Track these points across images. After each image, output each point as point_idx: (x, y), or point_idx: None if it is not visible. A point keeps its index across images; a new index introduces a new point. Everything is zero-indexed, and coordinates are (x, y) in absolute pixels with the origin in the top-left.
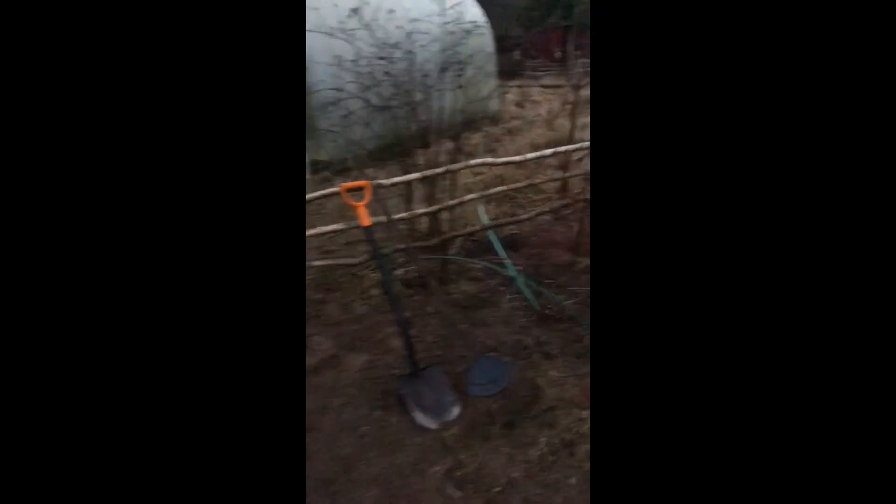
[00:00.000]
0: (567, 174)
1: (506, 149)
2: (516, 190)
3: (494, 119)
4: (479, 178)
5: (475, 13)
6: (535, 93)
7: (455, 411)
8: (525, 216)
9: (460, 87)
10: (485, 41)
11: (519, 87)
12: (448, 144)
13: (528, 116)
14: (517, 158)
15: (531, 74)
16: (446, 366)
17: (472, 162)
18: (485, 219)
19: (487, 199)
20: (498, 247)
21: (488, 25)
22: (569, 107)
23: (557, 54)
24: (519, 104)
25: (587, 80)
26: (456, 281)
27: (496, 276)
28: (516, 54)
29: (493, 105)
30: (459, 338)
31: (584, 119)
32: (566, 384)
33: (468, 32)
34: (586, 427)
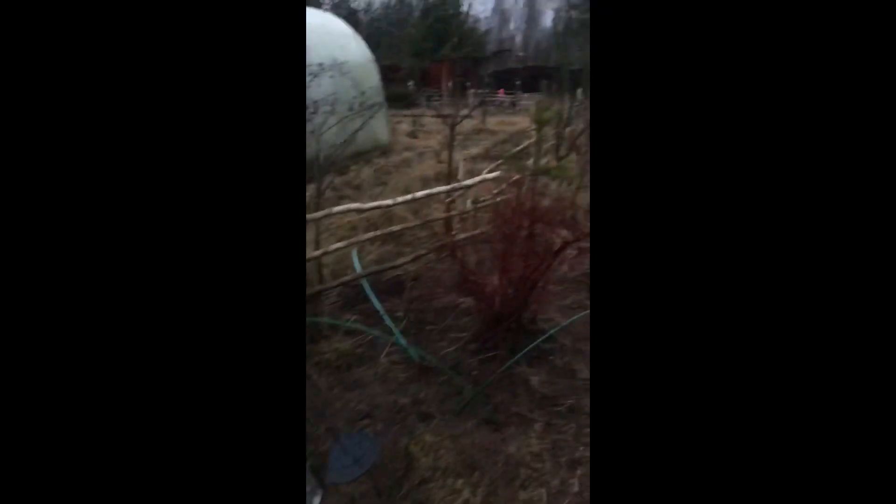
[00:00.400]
0: (450, 213)
1: (396, 182)
2: (404, 228)
3: (385, 151)
4: (352, 218)
5: (358, 49)
6: (428, 123)
7: (315, 502)
8: (402, 261)
9: (339, 121)
10: (363, 76)
11: (412, 116)
12: (331, 180)
13: (418, 147)
14: (386, 203)
15: (425, 104)
16: (309, 445)
17: (336, 209)
18: (357, 266)
19: (373, 240)
20: (372, 297)
21: (373, 60)
22: (458, 137)
23: (450, 85)
24: (411, 134)
25: (467, 112)
26: (329, 337)
27: (376, 327)
28: (410, 85)
29: (383, 137)
30: (327, 406)
31: (469, 151)
32: (441, 449)
33: (332, 70)
34: (462, 499)
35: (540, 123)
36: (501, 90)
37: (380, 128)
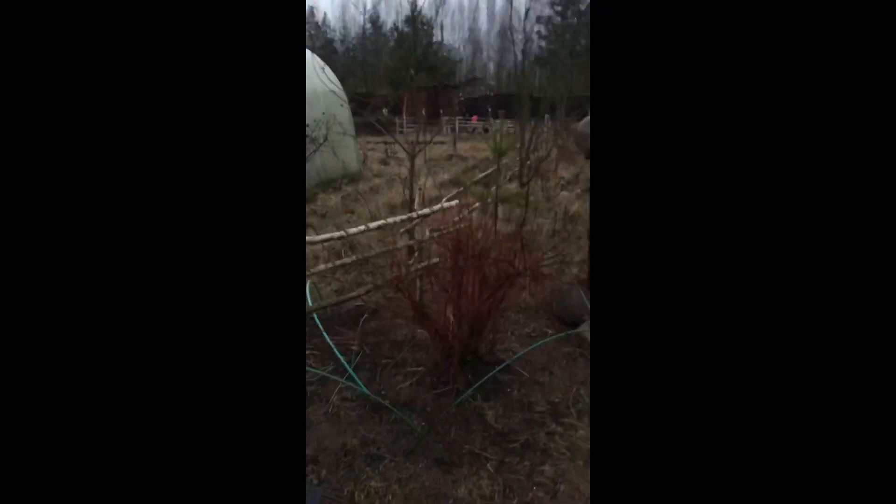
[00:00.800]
0: (409, 241)
1: (364, 209)
2: (368, 257)
3: (355, 178)
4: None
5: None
6: (400, 150)
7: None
8: (358, 292)
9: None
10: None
11: (384, 143)
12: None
13: (389, 174)
14: (335, 235)
15: (397, 132)
16: None
17: (317, 238)
18: (308, 299)
19: (335, 269)
20: (322, 332)
21: (342, 90)
22: (429, 163)
23: (423, 112)
24: (383, 161)
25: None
26: None
27: (330, 362)
28: (384, 112)
29: (353, 165)
30: None
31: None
32: (388, 495)
33: None
34: None
35: (498, 152)
36: (475, 116)
37: (349, 156)
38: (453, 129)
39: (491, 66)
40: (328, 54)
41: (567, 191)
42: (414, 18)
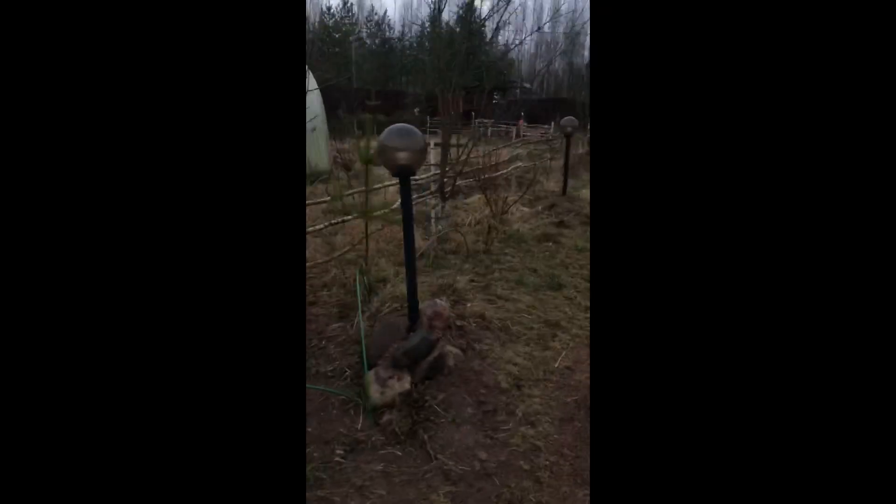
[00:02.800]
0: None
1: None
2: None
3: (324, 178)
4: None
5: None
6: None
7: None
8: None
9: None
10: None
11: None
12: None
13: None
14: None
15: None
16: None
17: None
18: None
19: None
20: None
21: (317, 90)
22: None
23: (455, 114)
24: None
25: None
26: None
27: None
28: (416, 112)
29: (322, 164)
30: None
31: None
32: None
33: None
34: None
35: (364, 160)
36: (521, 119)
37: (318, 154)
38: (485, 134)
39: (546, 73)
40: (385, 52)
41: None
42: (465, 17)
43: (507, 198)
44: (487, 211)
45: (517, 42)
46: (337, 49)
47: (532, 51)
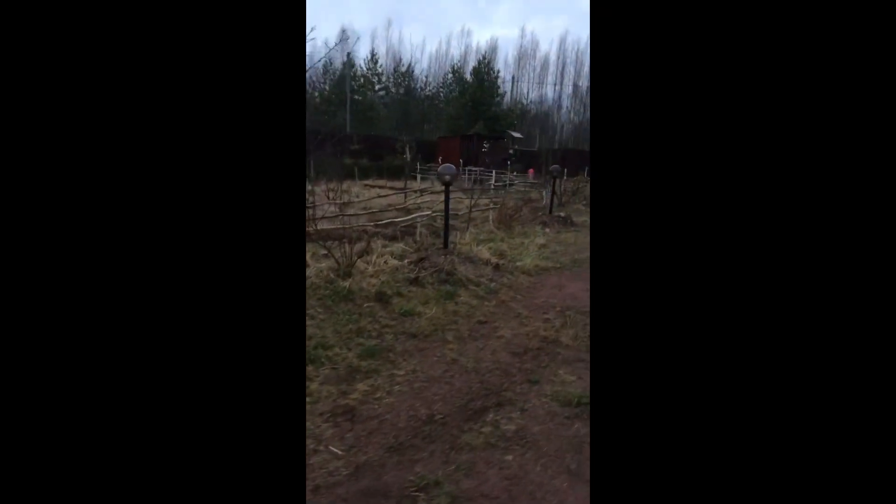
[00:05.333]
0: None
1: None
2: None
3: None
4: None
5: None
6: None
7: None
8: None
9: None
10: None
11: (373, 186)
12: None
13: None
14: None
15: (408, 177)
16: None
17: None
18: None
19: None
20: None
21: None
22: None
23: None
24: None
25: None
26: None
27: None
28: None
29: None
30: None
31: None
32: None
33: None
34: None
35: None
36: (532, 170)
37: None
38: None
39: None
40: (408, 100)
41: None
42: (478, 69)
43: (364, 248)
44: (324, 264)
45: (528, 96)
46: (358, 97)
47: (563, 105)
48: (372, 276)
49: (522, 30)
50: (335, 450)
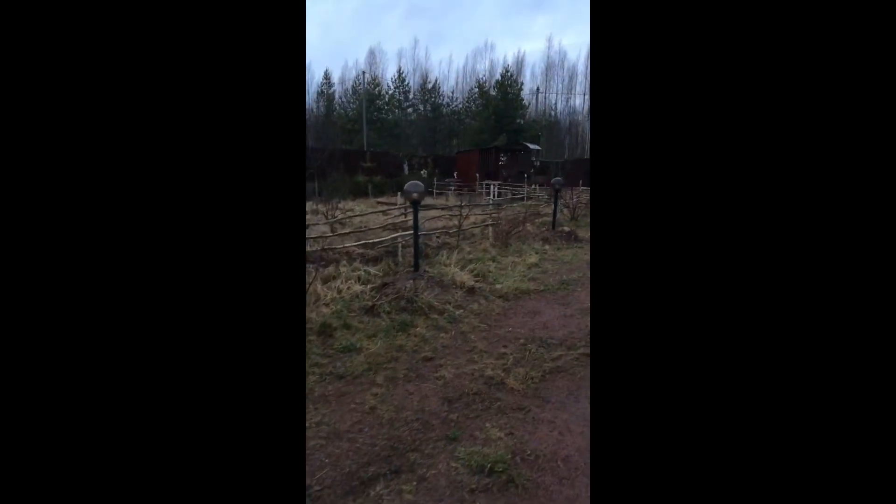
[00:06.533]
0: None
1: None
2: None
3: None
4: None
5: None
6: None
7: None
8: None
9: None
10: None
11: (384, 203)
12: None
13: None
14: None
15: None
16: None
17: None
18: None
19: None
20: None
21: None
22: None
23: (453, 174)
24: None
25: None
26: None
27: None
28: (423, 173)
29: None
30: None
31: None
32: None
33: None
34: None
35: None
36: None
37: None
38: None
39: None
40: (434, 116)
41: None
42: (502, 82)
43: (331, 273)
44: None
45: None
46: (385, 115)
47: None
48: (327, 304)
49: (549, 40)
50: None
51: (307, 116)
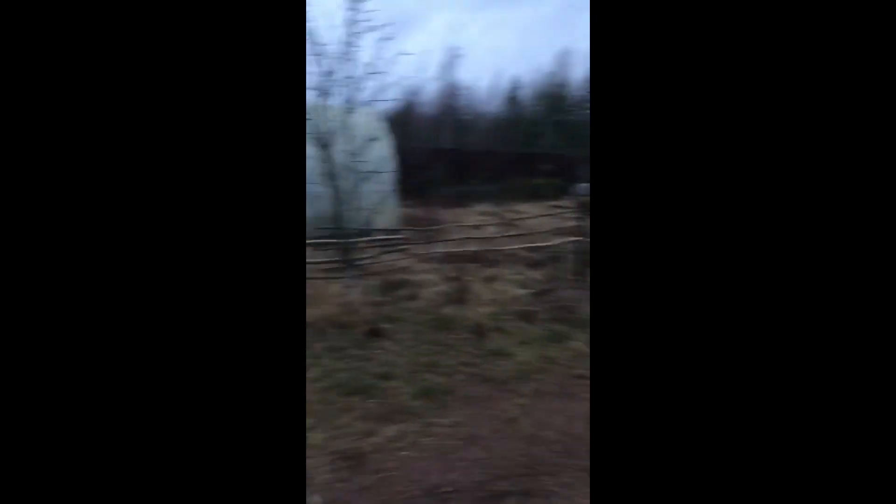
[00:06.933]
0: None
1: None
2: None
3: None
4: None
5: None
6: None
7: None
8: None
9: None
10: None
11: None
12: None
13: None
14: None
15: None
16: None
17: None
18: None
19: None
20: None
21: (391, 153)
22: None
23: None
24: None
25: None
26: None
27: None
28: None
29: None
30: None
31: None
32: None
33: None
34: None
35: None
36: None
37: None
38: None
39: None
40: (479, 116)
41: None
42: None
43: (492, 274)
44: (444, 287)
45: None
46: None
47: None
48: (485, 304)
49: None
50: (318, 500)
51: (488, 120)
